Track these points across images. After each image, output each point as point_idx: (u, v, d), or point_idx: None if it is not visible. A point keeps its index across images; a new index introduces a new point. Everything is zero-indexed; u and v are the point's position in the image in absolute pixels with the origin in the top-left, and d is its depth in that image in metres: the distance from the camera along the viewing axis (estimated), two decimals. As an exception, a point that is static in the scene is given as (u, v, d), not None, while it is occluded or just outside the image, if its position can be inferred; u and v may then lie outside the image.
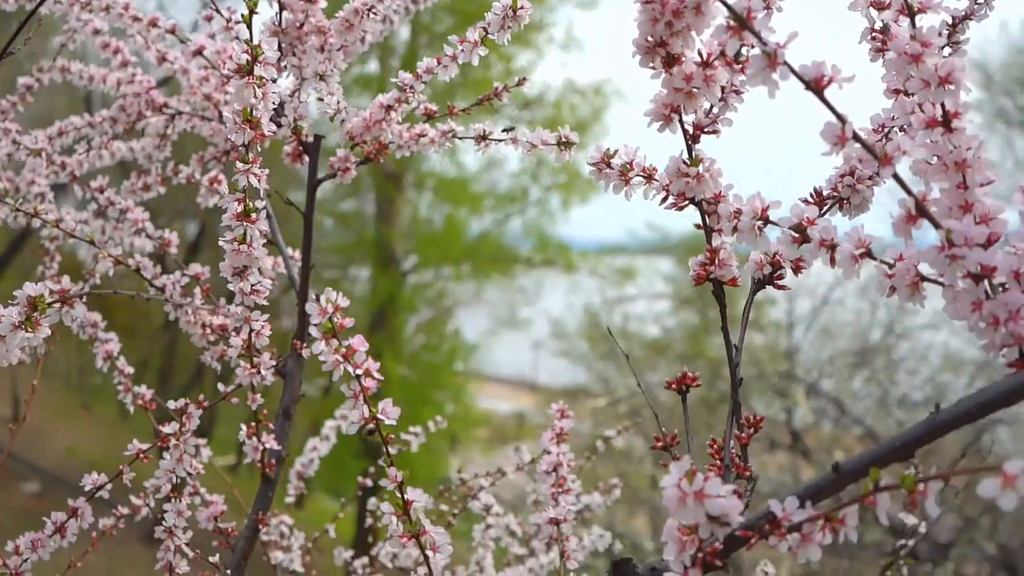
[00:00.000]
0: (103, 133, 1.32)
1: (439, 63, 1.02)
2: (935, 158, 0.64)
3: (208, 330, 1.17)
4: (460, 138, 1.10)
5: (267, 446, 1.11)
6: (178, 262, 1.23)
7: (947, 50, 0.86)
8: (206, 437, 1.34)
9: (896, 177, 0.60)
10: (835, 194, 0.81)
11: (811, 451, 5.91)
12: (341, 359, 0.73)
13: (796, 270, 0.79)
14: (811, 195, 0.81)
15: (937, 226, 0.59)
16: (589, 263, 12.02)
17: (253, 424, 1.10)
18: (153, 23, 1.21)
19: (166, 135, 1.35)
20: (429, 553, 0.76)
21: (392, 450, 0.77)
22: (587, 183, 11.63)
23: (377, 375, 0.73)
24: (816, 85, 0.59)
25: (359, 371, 0.73)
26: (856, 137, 0.59)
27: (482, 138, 1.08)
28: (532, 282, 12.41)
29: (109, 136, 1.32)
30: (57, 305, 0.76)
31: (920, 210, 0.60)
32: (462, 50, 1.00)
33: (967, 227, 0.58)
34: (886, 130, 0.82)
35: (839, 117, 0.59)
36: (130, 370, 1.20)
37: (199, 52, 1.17)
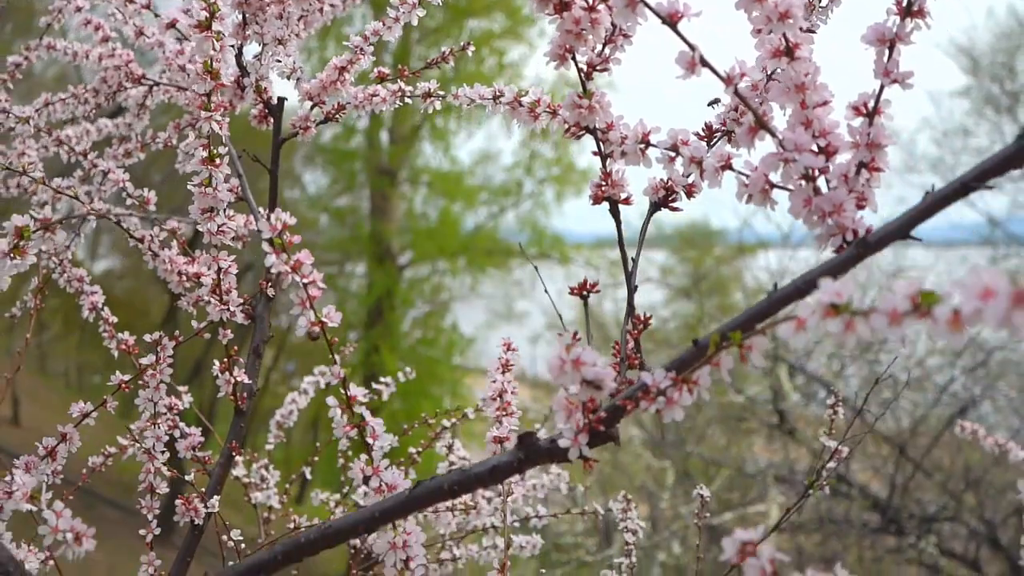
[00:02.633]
0: (85, 103, 1.43)
1: (384, 24, 1.14)
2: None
3: (184, 277, 1.28)
4: (409, 96, 1.22)
5: (238, 380, 1.22)
6: (158, 219, 1.34)
7: (824, 1, 0.98)
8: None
9: (738, 94, 0.71)
10: (723, 127, 0.92)
11: (797, 430, 6.05)
12: (290, 270, 0.84)
13: (688, 194, 0.91)
14: (703, 128, 0.93)
15: (773, 135, 0.71)
16: (584, 255, 12.13)
17: (225, 359, 1.21)
18: (129, -1, 1.32)
19: (145, 105, 1.47)
20: (370, 440, 0.87)
21: (336, 356, 0.88)
22: (581, 176, 11.74)
23: (321, 284, 0.84)
24: (671, 19, 0.70)
25: (306, 280, 0.84)
26: (703, 62, 0.70)
27: (428, 95, 1.19)
28: (527, 275, 12.50)
29: (92, 106, 1.44)
30: (40, 232, 0.87)
31: (760, 123, 0.71)
32: (402, 11, 1.12)
33: (796, 135, 0.70)
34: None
35: (690, 46, 0.70)
36: (114, 319, 1.31)
37: (172, 25, 1.27)
